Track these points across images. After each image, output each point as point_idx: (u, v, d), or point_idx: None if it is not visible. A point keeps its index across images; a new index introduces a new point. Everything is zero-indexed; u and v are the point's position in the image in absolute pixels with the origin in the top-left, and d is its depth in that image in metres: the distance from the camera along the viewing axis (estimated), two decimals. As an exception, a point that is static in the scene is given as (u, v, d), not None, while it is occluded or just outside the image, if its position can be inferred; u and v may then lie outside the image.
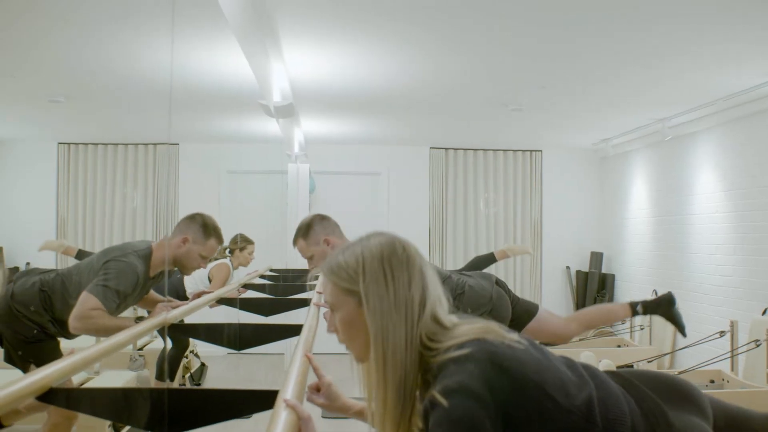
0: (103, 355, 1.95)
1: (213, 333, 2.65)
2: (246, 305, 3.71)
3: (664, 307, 3.40)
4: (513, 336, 1.39)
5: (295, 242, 3.28)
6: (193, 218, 3.15)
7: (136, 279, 3.00)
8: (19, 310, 3.05)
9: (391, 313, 1.38)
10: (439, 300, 1.44)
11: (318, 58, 4.42)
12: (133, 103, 5.83)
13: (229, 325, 2.65)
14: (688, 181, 6.44)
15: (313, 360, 1.77)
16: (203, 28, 3.63)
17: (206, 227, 3.12)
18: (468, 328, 1.39)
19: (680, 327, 3.45)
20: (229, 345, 2.63)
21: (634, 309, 3.35)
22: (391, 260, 1.41)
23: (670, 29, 3.76)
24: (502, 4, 3.39)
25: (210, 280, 5.41)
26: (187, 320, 3.41)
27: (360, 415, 1.75)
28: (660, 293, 6.81)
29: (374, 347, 1.38)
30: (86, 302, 2.87)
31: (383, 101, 5.74)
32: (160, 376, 5.50)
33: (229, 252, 5.56)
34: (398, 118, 6.62)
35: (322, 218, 3.26)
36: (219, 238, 3.16)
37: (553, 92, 5.35)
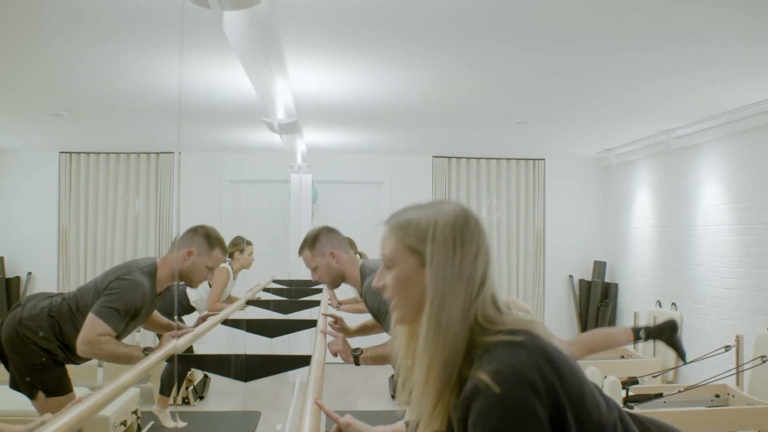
0: (110, 400, 1.92)
1: (220, 364, 2.63)
2: (252, 327, 3.71)
3: (666, 333, 3.41)
4: (557, 341, 1.36)
5: (300, 251, 3.25)
6: (196, 231, 3.12)
7: (143, 296, 2.97)
8: (27, 336, 3.01)
9: (454, 281, 1.33)
10: (496, 283, 1.40)
11: (323, 75, 4.40)
12: (135, 115, 5.81)
13: (237, 356, 2.63)
14: (692, 192, 6.42)
15: (325, 407, 1.74)
16: (207, 50, 3.62)
17: (210, 238, 3.09)
18: (519, 318, 1.35)
19: (681, 353, 3.48)
20: (236, 376, 2.62)
21: (637, 334, 3.37)
22: (464, 230, 1.37)
23: (676, 47, 3.74)
24: (510, 22, 3.37)
25: (210, 285, 5.36)
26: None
27: None
28: (664, 304, 6.83)
29: (429, 311, 1.33)
30: (94, 327, 2.84)
31: (389, 115, 5.73)
32: (163, 391, 5.49)
33: (229, 256, 5.50)
34: (402, 129, 6.60)
35: (329, 231, 3.24)
36: (223, 248, 3.13)
37: (560, 105, 5.34)
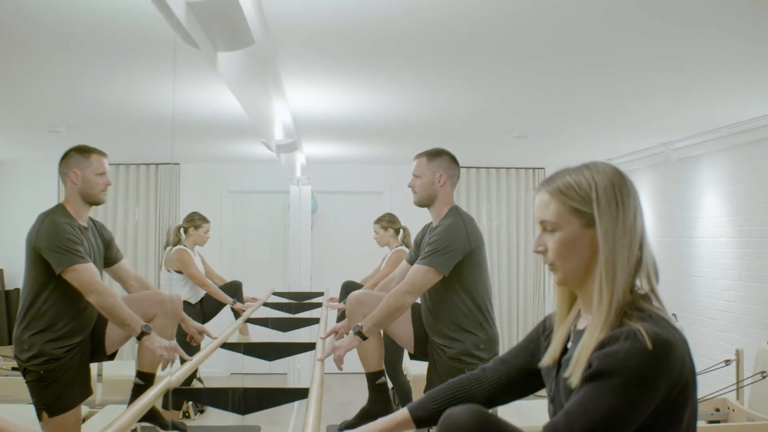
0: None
1: (218, 398, 2.63)
2: (250, 350, 3.70)
3: None
4: None
5: (418, 155, 3.31)
6: (66, 155, 3.18)
7: (69, 227, 2.99)
8: (24, 360, 3.04)
9: (621, 238, 1.42)
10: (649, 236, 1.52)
11: (323, 93, 4.40)
12: (133, 132, 5.80)
13: (234, 389, 2.63)
14: (692, 203, 6.41)
15: None
16: (202, 80, 3.61)
17: (81, 150, 3.14)
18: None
19: None
20: (233, 410, 2.61)
21: None
22: (622, 189, 1.45)
23: (675, 65, 3.74)
24: (509, 43, 3.37)
25: (180, 272, 5.27)
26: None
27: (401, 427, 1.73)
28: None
29: (606, 268, 1.42)
30: (78, 274, 2.88)
31: (388, 130, 5.73)
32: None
33: (184, 231, 5.38)
34: (402, 141, 6.60)
35: (453, 160, 3.30)
36: (98, 151, 3.18)
37: (559, 121, 5.33)
